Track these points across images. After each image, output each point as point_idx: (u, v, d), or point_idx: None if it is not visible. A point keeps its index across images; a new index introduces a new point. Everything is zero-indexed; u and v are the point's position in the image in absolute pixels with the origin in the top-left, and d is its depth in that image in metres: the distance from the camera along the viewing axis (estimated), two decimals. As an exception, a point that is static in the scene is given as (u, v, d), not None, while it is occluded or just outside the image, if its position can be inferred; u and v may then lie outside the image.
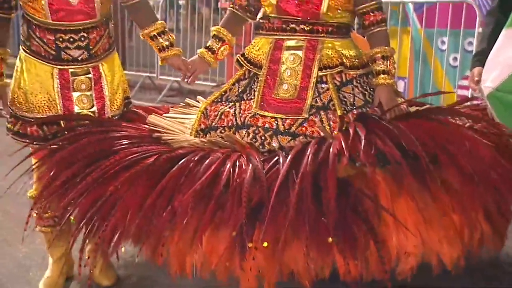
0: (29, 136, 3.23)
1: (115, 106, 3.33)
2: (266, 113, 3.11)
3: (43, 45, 3.17)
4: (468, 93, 6.26)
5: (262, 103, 3.14)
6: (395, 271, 2.74)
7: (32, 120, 3.21)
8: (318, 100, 3.09)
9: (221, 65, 7.61)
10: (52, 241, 3.36)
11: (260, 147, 3.04)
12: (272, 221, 2.58)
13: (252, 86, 3.25)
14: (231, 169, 2.76)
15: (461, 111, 3.32)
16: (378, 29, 3.18)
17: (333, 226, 2.56)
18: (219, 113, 3.24)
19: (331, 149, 2.74)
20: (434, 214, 2.73)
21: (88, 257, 2.99)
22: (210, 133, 3.24)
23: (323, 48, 3.18)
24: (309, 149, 2.78)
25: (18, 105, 3.23)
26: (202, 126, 3.29)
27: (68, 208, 2.92)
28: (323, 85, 3.13)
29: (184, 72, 3.49)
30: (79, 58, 3.21)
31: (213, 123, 3.24)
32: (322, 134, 2.97)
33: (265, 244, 2.56)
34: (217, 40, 3.49)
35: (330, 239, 2.55)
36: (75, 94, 3.23)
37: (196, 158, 2.86)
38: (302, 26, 3.20)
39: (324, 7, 3.13)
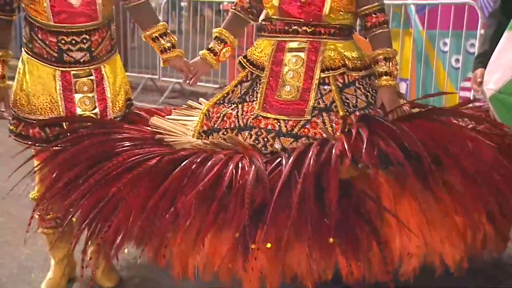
0: (31, 138, 3.23)
1: (117, 108, 3.34)
2: (268, 115, 3.11)
3: (45, 47, 3.17)
4: (470, 95, 6.25)
5: (264, 105, 3.14)
6: (397, 272, 2.74)
7: (34, 122, 3.21)
8: (320, 102, 3.09)
9: (223, 66, 7.60)
10: (54, 242, 3.36)
11: (263, 148, 3.04)
12: (275, 222, 2.59)
13: (255, 88, 3.25)
14: (234, 171, 2.76)
15: (464, 111, 3.31)
16: (380, 30, 3.17)
17: (335, 227, 2.56)
18: (222, 115, 3.24)
19: (333, 150, 2.74)
20: (436, 215, 2.73)
21: (90, 259, 2.99)
22: (212, 135, 3.24)
23: (325, 49, 3.18)
24: (311, 150, 2.78)
25: (20, 107, 3.24)
26: (205, 128, 3.29)
27: (71, 209, 2.92)
28: (325, 87, 3.13)
29: (186, 73, 3.50)
30: (81, 60, 3.22)
31: (216, 125, 3.24)
32: (324, 135, 2.97)
33: (268, 245, 2.56)
34: (219, 41, 3.49)
35: (331, 240, 2.55)
36: (77, 96, 3.23)
37: (198, 160, 2.86)
38: (304, 28, 3.19)
39: (326, 9, 3.13)
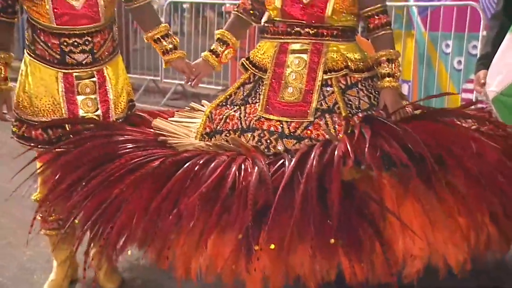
0: (34, 140, 3.23)
1: (119, 109, 3.34)
2: (271, 117, 3.10)
3: (48, 49, 3.18)
4: (472, 97, 6.26)
5: (267, 107, 3.14)
6: (401, 274, 2.73)
7: (37, 123, 3.21)
8: (323, 103, 3.08)
9: (225, 68, 7.59)
10: (57, 244, 3.36)
11: (265, 150, 3.03)
12: (277, 223, 2.58)
13: (257, 90, 3.25)
14: (237, 172, 2.76)
15: (467, 112, 3.31)
16: (383, 32, 3.16)
17: (338, 229, 2.55)
18: (224, 116, 3.24)
19: (336, 151, 2.74)
20: (440, 217, 2.72)
21: (92, 259, 2.99)
22: (215, 137, 3.24)
23: (328, 51, 3.17)
24: (314, 152, 2.78)
25: (22, 108, 3.24)
26: (207, 129, 3.29)
27: (73, 211, 2.92)
28: (328, 88, 3.12)
29: (188, 75, 3.50)
30: (84, 62, 3.22)
31: (218, 127, 3.24)
32: (327, 137, 2.97)
33: (272, 246, 2.56)
34: (221, 43, 3.49)
35: (332, 240, 2.54)
36: (79, 98, 3.23)
37: (201, 162, 2.86)
38: (307, 30, 3.19)
39: (329, 11, 3.12)
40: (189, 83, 3.56)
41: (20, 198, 3.32)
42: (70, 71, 3.21)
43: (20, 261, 3.88)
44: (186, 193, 2.73)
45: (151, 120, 3.48)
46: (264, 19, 3.46)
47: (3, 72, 3.22)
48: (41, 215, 3.24)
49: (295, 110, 3.09)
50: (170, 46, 3.42)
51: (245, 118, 3.17)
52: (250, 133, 3.11)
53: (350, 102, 3.11)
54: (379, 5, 3.16)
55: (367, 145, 2.68)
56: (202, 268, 2.71)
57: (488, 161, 2.76)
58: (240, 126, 3.17)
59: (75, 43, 3.17)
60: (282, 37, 3.25)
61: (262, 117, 3.12)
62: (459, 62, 6.65)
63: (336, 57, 3.17)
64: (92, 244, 2.89)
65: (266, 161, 2.85)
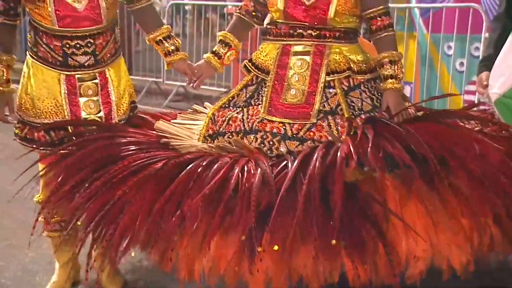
0: (36, 142, 3.24)
1: (122, 111, 3.34)
2: (274, 118, 3.10)
3: (50, 51, 3.18)
4: (474, 98, 6.25)
5: (270, 108, 3.14)
6: (404, 275, 2.73)
7: (39, 125, 3.21)
8: (326, 105, 3.08)
9: (227, 70, 7.62)
10: (59, 245, 3.36)
11: (268, 152, 3.03)
12: (280, 224, 2.58)
13: (260, 92, 3.25)
14: (240, 174, 2.76)
15: (470, 113, 3.31)
16: (386, 33, 3.16)
17: (341, 230, 2.55)
18: (227, 118, 3.24)
19: (339, 153, 2.74)
20: (443, 218, 2.72)
21: (95, 261, 2.99)
22: (218, 139, 3.24)
23: (330, 53, 3.17)
24: (317, 153, 2.78)
25: (25, 110, 3.24)
26: (210, 131, 3.29)
27: (76, 212, 2.91)
28: (330, 90, 3.12)
29: (190, 76, 3.50)
30: (86, 64, 3.22)
31: (221, 129, 3.24)
32: (330, 138, 2.97)
33: (276, 247, 2.55)
34: (224, 45, 3.49)
35: (333, 241, 2.54)
36: (82, 100, 3.24)
37: (204, 163, 2.86)
38: (309, 32, 3.19)
39: (331, 12, 3.12)
40: (191, 84, 3.56)
41: (22, 200, 3.32)
42: (72, 73, 3.21)
43: (22, 262, 3.88)
44: (189, 194, 2.73)
45: (153, 122, 3.48)
46: (266, 21, 3.46)
47: (5, 74, 3.23)
48: (43, 216, 3.23)
49: (297, 112, 3.09)
50: (172, 47, 3.43)
51: (248, 120, 3.17)
52: (253, 135, 3.11)
53: (353, 104, 3.11)
54: (381, 7, 3.15)
55: (369, 146, 2.68)
56: (205, 270, 2.71)
57: (491, 163, 2.76)
58: (242, 128, 3.16)
59: (77, 45, 3.18)
60: (285, 39, 3.25)
61: (265, 119, 3.12)
62: (461, 64, 6.65)
63: (339, 59, 3.16)
64: (94, 246, 2.88)
65: (269, 162, 2.85)
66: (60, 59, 3.18)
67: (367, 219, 2.67)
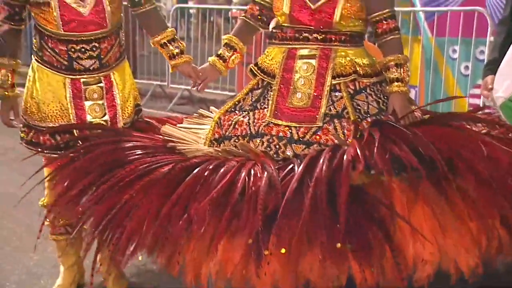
0: (42, 145, 3.25)
1: (126, 114, 3.35)
2: (280, 122, 3.10)
3: (55, 56, 3.19)
4: (479, 102, 6.24)
5: (276, 112, 3.14)
6: (411, 279, 2.72)
7: (45, 129, 3.22)
8: (332, 109, 3.08)
9: (232, 73, 7.61)
10: (65, 249, 3.36)
11: (275, 156, 3.03)
12: (287, 227, 2.58)
13: (266, 95, 3.24)
14: (246, 178, 2.76)
15: (477, 116, 3.31)
16: (391, 37, 3.16)
17: (348, 233, 2.54)
18: (233, 122, 3.24)
19: (345, 156, 2.73)
20: (450, 221, 2.71)
21: (101, 264, 2.98)
22: (224, 143, 3.24)
23: (336, 56, 3.17)
24: (323, 156, 2.78)
25: (30, 114, 3.25)
26: (216, 135, 3.29)
27: (83, 216, 2.91)
28: (336, 94, 3.12)
29: (194, 79, 3.50)
30: (91, 68, 3.24)
31: (227, 133, 3.24)
32: (336, 142, 2.96)
33: (283, 250, 2.55)
34: (229, 48, 3.49)
35: (338, 244, 2.53)
36: (87, 103, 3.25)
37: (211, 167, 2.86)
38: (315, 35, 3.18)
39: (337, 16, 3.12)
40: (196, 87, 3.55)
41: (27, 203, 3.32)
42: (77, 77, 3.23)
43: (27, 266, 3.89)
44: (196, 198, 2.73)
45: (159, 127, 3.48)
46: (272, 24, 3.46)
47: (10, 79, 3.24)
48: (49, 220, 3.23)
49: (303, 115, 3.09)
50: (177, 50, 3.43)
51: (254, 123, 3.16)
52: (259, 139, 3.11)
53: (359, 107, 3.10)
54: (387, 10, 3.15)
55: (376, 149, 2.68)
56: (212, 274, 2.70)
57: (499, 165, 2.75)
58: (249, 132, 3.16)
59: (83, 49, 3.19)
60: (290, 43, 3.25)
61: (271, 122, 3.11)
62: (466, 67, 6.64)
63: (345, 62, 3.16)
64: (101, 250, 2.88)
65: (275, 166, 2.84)
66: (65, 63, 3.20)
67: (374, 222, 2.66)
